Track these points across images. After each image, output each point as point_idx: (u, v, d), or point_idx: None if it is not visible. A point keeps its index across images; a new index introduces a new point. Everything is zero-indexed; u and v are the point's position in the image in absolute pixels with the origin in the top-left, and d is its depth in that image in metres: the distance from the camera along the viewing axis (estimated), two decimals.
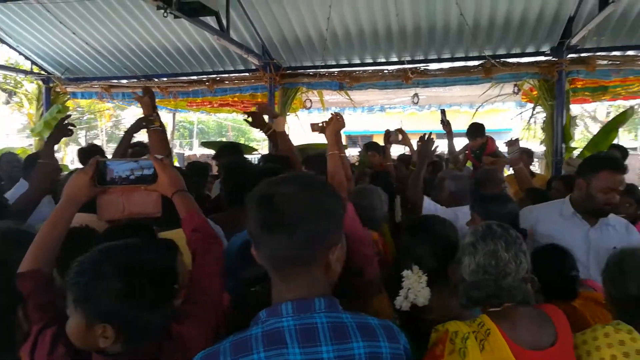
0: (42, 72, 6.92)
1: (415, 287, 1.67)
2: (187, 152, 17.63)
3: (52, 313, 1.26)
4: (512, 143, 3.59)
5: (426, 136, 3.01)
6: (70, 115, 3.13)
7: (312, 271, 1.04)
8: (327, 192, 1.08)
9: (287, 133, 3.48)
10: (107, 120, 18.88)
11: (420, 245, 1.86)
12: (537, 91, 5.70)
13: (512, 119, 9.49)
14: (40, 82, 7.08)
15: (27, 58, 6.76)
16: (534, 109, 6.06)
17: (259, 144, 14.32)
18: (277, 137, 3.37)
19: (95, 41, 6.07)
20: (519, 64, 5.55)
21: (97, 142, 21.91)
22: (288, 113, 6.57)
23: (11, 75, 10.85)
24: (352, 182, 2.60)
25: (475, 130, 4.88)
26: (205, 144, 8.45)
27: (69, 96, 7.28)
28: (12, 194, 3.01)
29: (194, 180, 3.30)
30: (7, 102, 16.07)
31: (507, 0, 4.74)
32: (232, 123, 24.58)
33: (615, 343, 1.51)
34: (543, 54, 5.47)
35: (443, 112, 4.79)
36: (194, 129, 27.20)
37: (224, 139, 27.28)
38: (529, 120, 6.33)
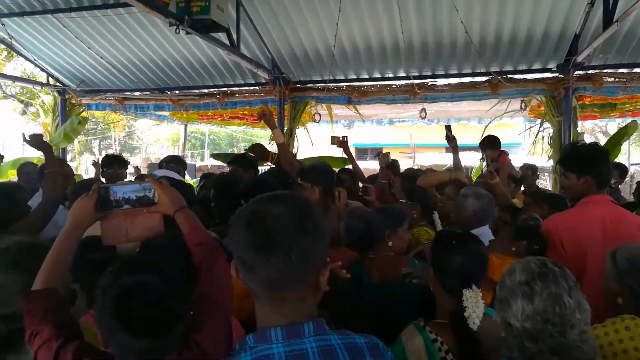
0: (58, 84, 7.10)
1: (474, 306, 1.57)
2: (198, 163, 17.81)
3: (70, 330, 1.30)
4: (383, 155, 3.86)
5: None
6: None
7: (303, 293, 1.03)
8: (316, 211, 1.07)
9: (285, 144, 3.52)
10: (121, 131, 19.20)
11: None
12: (544, 107, 5.72)
13: (520, 134, 9.48)
14: (56, 94, 7.25)
15: (43, 70, 6.96)
16: (541, 125, 6.09)
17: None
18: (278, 149, 3.41)
19: (110, 55, 6.24)
20: (525, 80, 5.59)
21: (110, 151, 22.23)
22: (297, 126, 6.66)
23: (28, 86, 11.13)
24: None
25: (488, 143, 4.90)
26: (214, 156, 8.55)
27: (84, 108, 7.45)
28: (32, 202, 3.12)
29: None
30: (24, 113, 16.46)
31: (513, 18, 4.80)
32: (242, 135, 24.80)
33: (637, 336, 1.56)
34: (549, 70, 5.51)
35: (448, 127, 4.82)
36: (206, 140, 27.48)
37: (234, 150, 27.52)
38: (536, 136, 6.35)
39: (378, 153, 4.71)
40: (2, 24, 5.52)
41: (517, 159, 8.26)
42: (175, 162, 4.40)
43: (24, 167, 4.48)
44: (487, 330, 1.61)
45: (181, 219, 1.58)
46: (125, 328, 1.15)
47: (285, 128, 6.62)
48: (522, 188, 5.15)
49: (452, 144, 4.54)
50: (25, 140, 3.24)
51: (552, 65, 5.48)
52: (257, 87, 6.65)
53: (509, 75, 5.60)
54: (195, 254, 1.54)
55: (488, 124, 7.09)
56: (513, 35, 5.06)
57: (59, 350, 1.25)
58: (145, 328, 1.16)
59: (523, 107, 6.16)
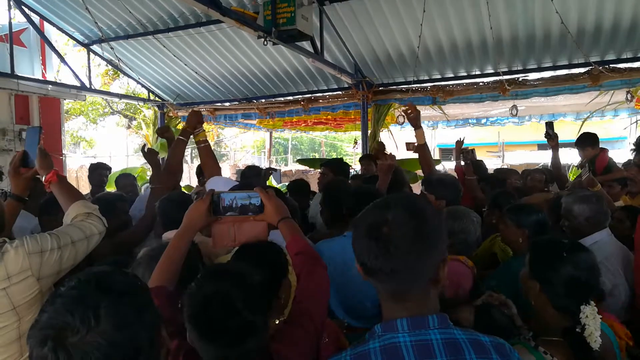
0: (158, 99, 7.70)
1: (594, 322, 1.48)
2: (283, 168, 18.36)
3: (174, 327, 1.35)
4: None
5: None
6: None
7: (425, 289, 1.07)
8: (431, 213, 1.08)
9: (427, 146, 3.51)
10: (212, 140, 20.33)
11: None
12: None
13: (626, 128, 8.67)
14: (156, 108, 7.88)
15: (144, 87, 7.59)
16: None
17: (351, 159, 14.51)
18: (418, 150, 3.41)
19: (203, 69, 6.65)
20: (631, 69, 5.11)
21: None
22: (381, 129, 6.65)
23: (132, 102, 12.19)
24: None
25: (587, 141, 4.55)
26: (300, 161, 8.81)
27: (180, 119, 8.00)
28: (134, 207, 3.42)
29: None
30: (128, 127, 18.04)
31: (615, 3, 4.43)
32: (324, 139, 25.15)
33: None
34: None
35: (549, 124, 4.53)
36: (289, 146, 28.24)
37: (316, 155, 27.98)
38: None
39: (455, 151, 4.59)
40: (112, 48, 6.10)
41: (622, 155, 7.57)
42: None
43: (120, 180, 4.79)
44: (604, 347, 1.50)
45: (284, 228, 1.65)
46: (200, 334, 1.19)
47: (369, 131, 6.64)
48: None
49: (552, 143, 4.29)
50: (142, 150, 3.57)
51: None
52: (340, 92, 6.73)
53: (611, 65, 5.17)
54: (295, 263, 1.59)
55: (588, 117, 6.58)
56: (615, 22, 4.66)
57: None
58: (218, 336, 1.18)
59: (629, 98, 5.64)
